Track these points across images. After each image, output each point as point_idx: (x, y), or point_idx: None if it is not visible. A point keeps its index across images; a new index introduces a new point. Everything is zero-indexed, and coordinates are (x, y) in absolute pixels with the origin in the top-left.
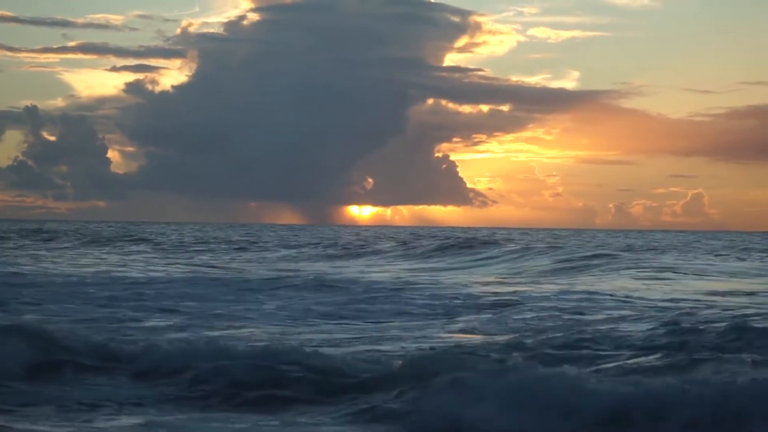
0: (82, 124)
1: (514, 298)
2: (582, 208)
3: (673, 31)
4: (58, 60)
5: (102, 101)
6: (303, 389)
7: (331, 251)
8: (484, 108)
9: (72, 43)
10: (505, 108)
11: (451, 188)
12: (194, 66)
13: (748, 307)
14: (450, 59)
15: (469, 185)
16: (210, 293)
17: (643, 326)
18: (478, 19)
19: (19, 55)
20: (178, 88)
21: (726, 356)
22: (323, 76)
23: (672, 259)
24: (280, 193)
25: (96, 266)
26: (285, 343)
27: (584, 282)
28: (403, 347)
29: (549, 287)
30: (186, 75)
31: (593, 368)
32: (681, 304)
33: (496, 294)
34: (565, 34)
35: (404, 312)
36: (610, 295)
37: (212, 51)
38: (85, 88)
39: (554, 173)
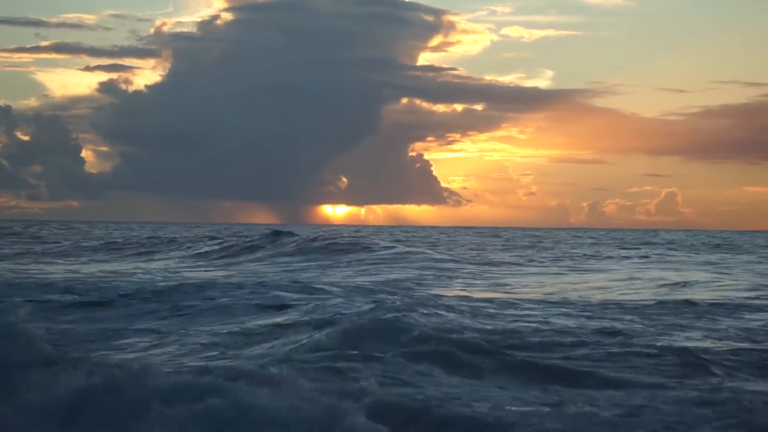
0: (55, 124)
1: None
2: (556, 207)
3: (647, 31)
4: (31, 60)
5: (76, 101)
6: None
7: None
8: (458, 107)
9: (45, 43)
10: (479, 107)
11: (425, 187)
12: (168, 66)
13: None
14: (424, 58)
15: (443, 184)
16: None
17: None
18: (451, 18)
19: None
20: (151, 88)
21: None
22: (297, 75)
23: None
24: (255, 192)
25: None
26: None
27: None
28: None
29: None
30: (160, 74)
31: None
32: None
33: None
34: (539, 34)
35: None
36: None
37: (186, 51)
38: (58, 87)
39: (528, 172)
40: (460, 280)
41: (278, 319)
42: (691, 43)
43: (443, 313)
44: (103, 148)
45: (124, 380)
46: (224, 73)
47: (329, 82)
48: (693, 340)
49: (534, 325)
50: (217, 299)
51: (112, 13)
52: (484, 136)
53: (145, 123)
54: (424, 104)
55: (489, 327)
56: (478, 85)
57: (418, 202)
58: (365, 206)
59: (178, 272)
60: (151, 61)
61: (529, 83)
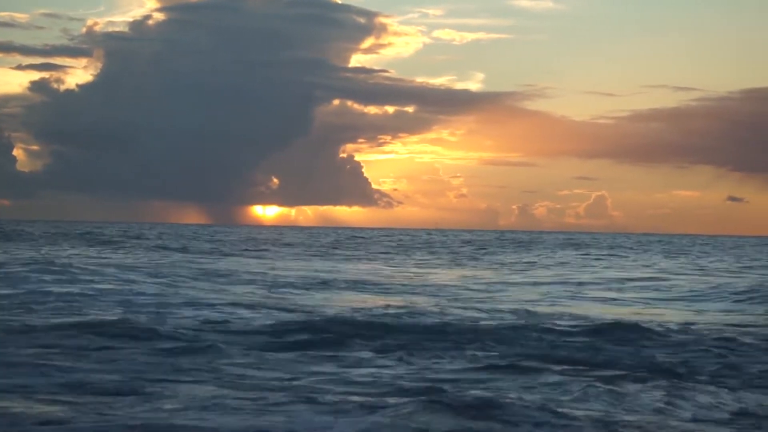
0: None
1: None
2: (486, 210)
3: (577, 34)
4: None
5: (7, 99)
6: None
7: None
8: (390, 109)
9: None
10: (410, 109)
11: (356, 189)
12: (100, 65)
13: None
14: (356, 60)
15: (374, 186)
16: None
17: None
18: (383, 20)
19: None
20: (83, 87)
21: None
22: (229, 76)
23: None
24: (186, 192)
25: None
26: None
27: None
28: None
29: None
30: (91, 74)
31: None
32: None
33: None
34: (470, 36)
35: None
36: None
37: (118, 50)
38: None
39: (458, 174)
40: None
41: None
42: (620, 48)
43: None
44: (35, 147)
45: None
46: (156, 73)
47: (261, 83)
48: None
49: None
50: None
51: (44, 12)
52: (414, 138)
53: (77, 122)
54: (356, 106)
55: None
56: (409, 87)
57: (349, 204)
58: (296, 207)
59: None
60: (83, 61)
61: (460, 86)
